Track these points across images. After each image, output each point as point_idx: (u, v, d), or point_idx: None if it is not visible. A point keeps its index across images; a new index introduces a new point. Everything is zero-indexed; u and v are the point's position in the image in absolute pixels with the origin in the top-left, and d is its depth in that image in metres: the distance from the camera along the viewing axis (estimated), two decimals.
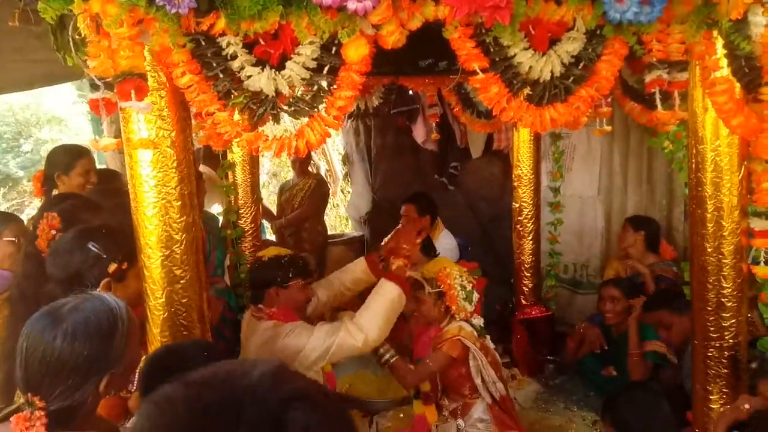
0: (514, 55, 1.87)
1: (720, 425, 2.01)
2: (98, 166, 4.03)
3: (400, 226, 2.74)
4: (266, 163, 8.69)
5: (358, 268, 2.93)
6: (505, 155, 5.04)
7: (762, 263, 2.16)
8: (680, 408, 2.39)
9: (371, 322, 2.33)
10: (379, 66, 1.92)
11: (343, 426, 0.70)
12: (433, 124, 4.50)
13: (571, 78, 1.95)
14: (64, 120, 11.06)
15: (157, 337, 1.85)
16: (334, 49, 1.76)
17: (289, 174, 7.42)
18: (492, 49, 1.86)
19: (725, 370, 2.20)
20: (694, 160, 2.18)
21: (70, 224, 2.10)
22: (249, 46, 1.75)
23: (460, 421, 2.72)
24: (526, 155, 3.88)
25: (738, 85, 2.01)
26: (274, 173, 9.23)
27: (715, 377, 2.22)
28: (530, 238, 3.96)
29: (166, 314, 1.85)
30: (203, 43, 1.71)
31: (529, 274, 4.01)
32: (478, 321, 2.76)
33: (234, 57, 1.73)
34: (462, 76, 2.37)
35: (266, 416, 0.62)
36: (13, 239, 2.49)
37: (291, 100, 1.81)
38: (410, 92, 4.64)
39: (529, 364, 3.80)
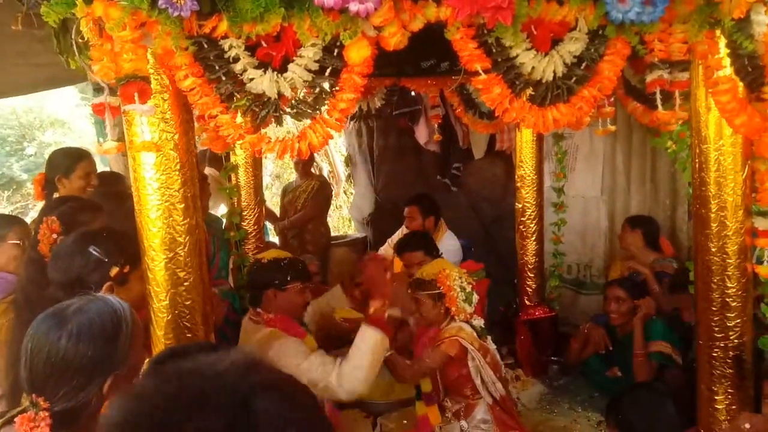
0: (517, 55, 1.87)
1: None
2: (102, 168, 4.05)
3: (368, 260, 2.73)
4: (269, 165, 8.70)
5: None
6: (507, 156, 5.04)
7: (765, 263, 2.16)
8: (685, 408, 2.38)
9: (355, 378, 2.27)
10: (381, 67, 1.92)
11: (314, 417, 0.70)
12: (436, 125, 4.51)
13: (574, 78, 1.94)
14: (68, 123, 11.09)
15: (161, 339, 1.86)
16: (336, 51, 1.77)
17: (292, 176, 7.43)
18: (494, 50, 1.86)
19: (730, 371, 2.19)
20: (697, 160, 2.18)
21: (70, 227, 2.11)
22: (251, 48, 1.75)
23: (464, 423, 2.71)
24: (529, 156, 3.88)
25: (741, 84, 2.00)
26: (277, 175, 9.24)
27: (720, 377, 2.21)
28: (533, 238, 3.95)
29: (169, 316, 1.85)
30: (206, 45, 1.72)
31: (532, 275, 4.00)
32: (479, 322, 2.75)
33: (236, 59, 1.74)
34: (464, 77, 2.37)
35: (234, 403, 0.62)
36: (18, 242, 2.50)
37: (293, 102, 1.82)
38: (412, 93, 4.64)
39: (533, 365, 3.79)
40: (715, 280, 2.18)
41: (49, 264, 1.92)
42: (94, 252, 1.86)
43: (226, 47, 1.73)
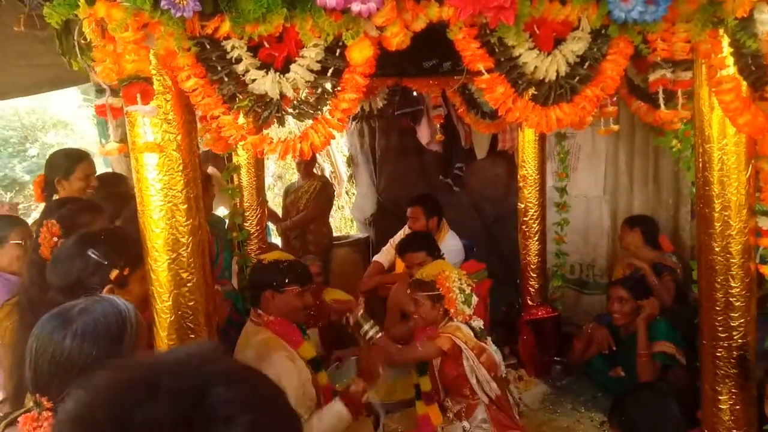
0: (519, 55, 1.87)
1: None
2: (104, 169, 4.05)
3: (372, 347, 2.73)
4: (271, 166, 8.71)
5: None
6: (509, 156, 5.03)
7: None
8: (690, 409, 2.38)
9: None
10: (383, 67, 1.92)
11: (274, 405, 0.69)
12: (438, 126, 4.50)
13: (577, 78, 1.94)
14: (70, 124, 11.11)
15: (164, 340, 1.86)
16: (338, 51, 1.76)
17: (294, 176, 7.43)
18: (497, 50, 1.85)
19: (734, 370, 2.19)
20: (700, 159, 2.17)
21: (70, 229, 2.10)
22: (253, 49, 1.75)
23: (465, 423, 2.71)
24: (531, 155, 3.87)
25: (744, 83, 1.99)
26: (279, 175, 9.24)
27: (724, 377, 2.20)
28: (536, 238, 3.95)
29: (173, 317, 1.85)
30: (208, 46, 1.72)
31: (535, 275, 4.00)
32: (478, 323, 2.75)
33: (239, 60, 1.74)
34: (467, 77, 2.37)
35: (187, 391, 0.61)
36: (20, 242, 2.50)
37: (295, 102, 1.82)
38: (414, 93, 4.64)
39: (536, 365, 3.79)
40: (719, 280, 2.17)
41: (49, 268, 1.90)
42: (93, 255, 1.85)
43: (228, 48, 1.73)
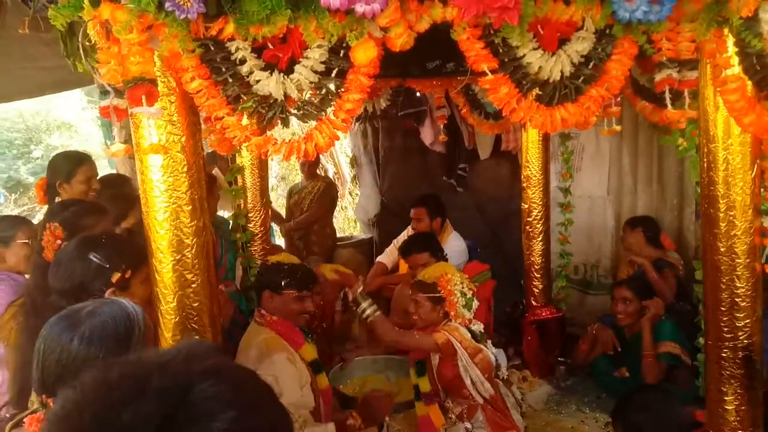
0: (523, 55, 1.87)
1: None
2: (109, 170, 4.06)
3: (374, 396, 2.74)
4: (275, 167, 8.72)
5: None
6: (513, 156, 5.03)
7: None
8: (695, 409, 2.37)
9: None
10: (387, 68, 1.92)
11: (260, 400, 0.69)
12: (441, 126, 4.50)
13: (581, 78, 1.94)
14: (74, 126, 11.15)
15: (168, 341, 1.86)
16: (342, 52, 1.77)
17: (297, 177, 7.44)
18: (501, 50, 1.85)
19: (739, 371, 2.18)
20: (705, 159, 2.17)
21: (73, 232, 2.10)
22: (258, 50, 1.75)
23: (468, 424, 2.72)
24: (535, 156, 3.87)
25: (749, 83, 1.99)
26: (283, 176, 9.26)
27: (729, 378, 2.20)
28: (540, 239, 3.94)
29: (177, 318, 1.85)
30: (212, 48, 1.72)
31: (539, 275, 3.99)
32: (478, 327, 2.75)
33: (243, 61, 1.74)
34: (470, 77, 2.37)
35: (174, 389, 0.62)
36: (27, 241, 2.50)
37: (299, 103, 1.82)
38: (418, 94, 4.64)
39: (540, 365, 3.78)
40: (724, 280, 2.16)
41: (50, 272, 1.90)
42: (94, 258, 1.85)
43: (232, 49, 1.73)
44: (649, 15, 1.81)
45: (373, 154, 5.81)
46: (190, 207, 1.82)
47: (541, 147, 3.86)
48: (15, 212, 9.02)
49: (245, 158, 3.53)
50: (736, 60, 1.98)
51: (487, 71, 1.85)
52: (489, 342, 2.82)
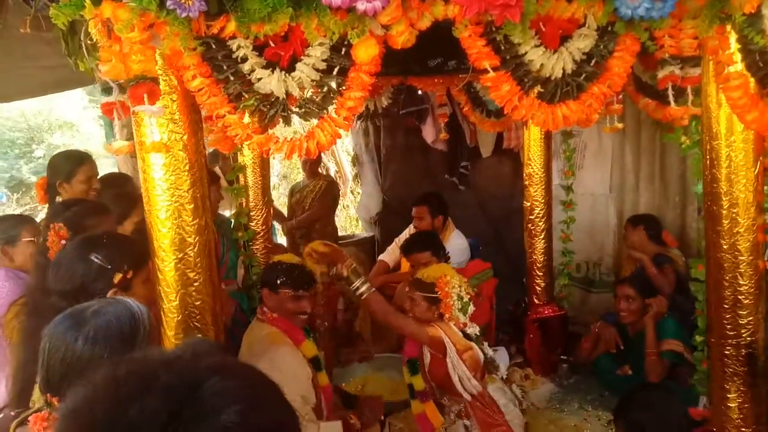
0: (525, 52, 1.86)
1: None
2: (112, 170, 4.06)
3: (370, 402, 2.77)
4: (276, 165, 8.72)
5: None
6: (515, 154, 5.02)
7: None
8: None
9: None
10: (388, 66, 1.92)
11: (267, 396, 0.70)
12: (443, 124, 4.50)
13: (583, 75, 1.93)
14: (76, 125, 11.16)
15: (171, 340, 1.86)
16: (343, 50, 1.76)
17: (299, 176, 7.44)
18: (503, 47, 1.85)
19: (743, 368, 2.17)
20: (708, 156, 2.16)
21: (77, 232, 2.09)
22: (259, 48, 1.75)
23: (467, 422, 2.72)
24: (537, 153, 3.87)
25: (752, 79, 1.98)
26: (285, 175, 9.25)
27: (732, 375, 2.19)
28: (542, 236, 3.94)
29: (180, 317, 1.85)
30: (214, 46, 1.72)
31: (541, 274, 3.99)
32: (474, 330, 2.75)
33: (244, 59, 1.74)
34: (472, 75, 2.37)
35: (181, 385, 0.63)
36: (33, 239, 2.50)
37: (301, 101, 1.81)
38: (419, 92, 4.64)
39: (543, 363, 3.78)
40: (727, 278, 2.16)
41: (50, 273, 1.88)
42: (95, 259, 1.83)
43: (234, 47, 1.73)
44: (652, 12, 1.80)
45: (375, 153, 5.80)
46: (192, 205, 1.82)
47: (543, 145, 3.85)
48: (17, 211, 9.03)
49: (247, 157, 3.53)
50: (738, 57, 1.97)
51: (489, 69, 1.84)
52: (485, 344, 2.81)
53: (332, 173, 7.66)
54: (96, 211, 2.35)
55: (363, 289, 2.56)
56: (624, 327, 3.49)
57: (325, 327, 3.50)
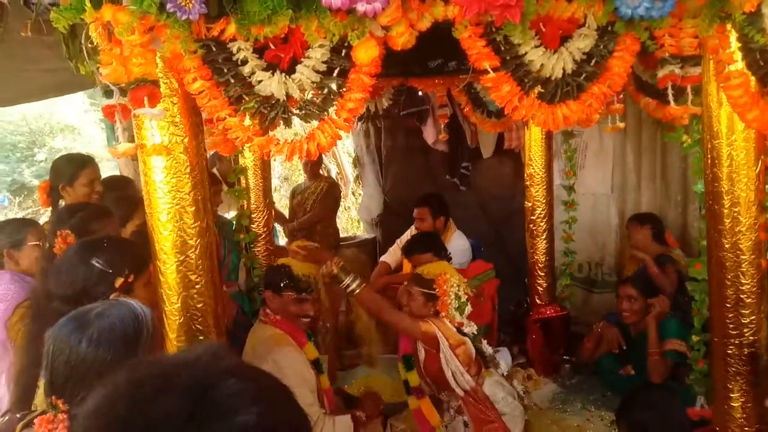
0: (525, 53, 1.86)
1: None
2: (113, 173, 4.06)
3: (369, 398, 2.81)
4: (278, 167, 8.73)
5: None
6: (516, 154, 5.02)
7: None
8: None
9: None
10: (389, 67, 1.92)
11: (280, 400, 0.71)
12: (443, 125, 4.49)
13: (583, 75, 1.93)
14: (77, 128, 11.18)
15: (173, 343, 1.86)
16: (344, 51, 1.76)
17: (300, 177, 7.44)
18: (503, 48, 1.85)
19: (745, 368, 2.17)
20: (709, 156, 2.16)
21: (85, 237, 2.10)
22: (259, 50, 1.75)
23: (466, 418, 2.72)
24: (538, 154, 3.86)
25: (753, 78, 1.98)
26: (286, 177, 9.26)
27: (735, 375, 2.19)
28: (543, 237, 3.94)
29: (181, 319, 1.85)
30: (214, 48, 1.72)
31: (543, 274, 3.98)
32: (471, 329, 2.75)
33: (245, 62, 1.74)
34: (472, 76, 2.37)
35: (198, 386, 0.65)
36: (38, 243, 2.51)
37: (302, 103, 1.82)
38: (420, 93, 4.64)
39: (545, 364, 3.78)
40: (729, 277, 2.16)
41: (51, 278, 1.88)
42: (97, 264, 1.83)
43: (234, 50, 1.73)
44: (652, 11, 1.80)
45: (376, 154, 5.80)
46: (193, 208, 1.82)
47: (544, 145, 3.85)
48: (19, 215, 9.04)
49: (248, 159, 3.53)
50: (739, 55, 1.97)
51: (489, 69, 1.84)
52: (484, 342, 2.81)
53: (333, 175, 7.67)
54: (100, 215, 2.36)
55: (353, 285, 2.56)
56: (626, 327, 3.49)
57: (327, 329, 3.50)
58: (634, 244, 3.87)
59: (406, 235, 4.06)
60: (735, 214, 2.12)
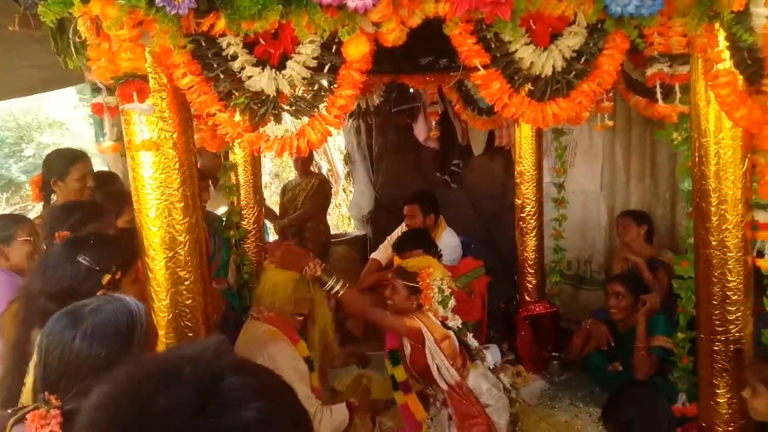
0: (516, 50, 1.87)
1: None
2: (101, 168, 4.03)
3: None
4: (268, 164, 8.70)
5: None
6: (506, 152, 5.03)
7: (766, 256, 2.16)
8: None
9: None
10: (380, 64, 1.92)
11: (282, 395, 0.72)
12: (434, 122, 4.50)
13: (573, 73, 1.94)
14: (65, 124, 11.09)
15: (162, 339, 1.85)
16: (334, 47, 1.76)
17: (291, 174, 7.43)
18: (493, 45, 1.85)
19: (731, 364, 2.19)
20: (697, 153, 2.18)
21: None
22: (249, 46, 1.74)
23: (451, 410, 2.73)
24: (528, 151, 3.87)
25: (741, 77, 2.00)
26: (276, 174, 9.24)
27: (721, 371, 2.21)
28: (533, 234, 3.95)
29: (170, 316, 1.85)
30: (203, 43, 1.71)
31: (532, 271, 4.00)
32: (456, 323, 2.76)
33: (234, 57, 1.73)
34: (463, 73, 2.37)
35: (205, 377, 0.65)
36: (28, 238, 2.49)
37: (292, 99, 1.81)
38: (411, 90, 4.64)
39: (534, 360, 3.79)
40: (716, 274, 2.18)
41: (37, 275, 1.87)
42: (83, 261, 1.82)
43: (224, 45, 1.72)
44: (641, 9, 1.81)
45: (367, 151, 5.80)
46: (182, 204, 1.82)
47: (534, 142, 3.86)
48: (7, 211, 8.97)
49: (238, 155, 3.52)
50: (727, 54, 1.99)
51: (480, 67, 1.85)
52: (470, 335, 2.82)
53: (324, 172, 7.65)
54: (97, 215, 2.35)
55: (337, 287, 2.55)
56: (615, 324, 3.51)
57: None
58: (626, 241, 3.85)
59: (397, 232, 4.06)
60: (722, 211, 2.14)
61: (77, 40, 1.76)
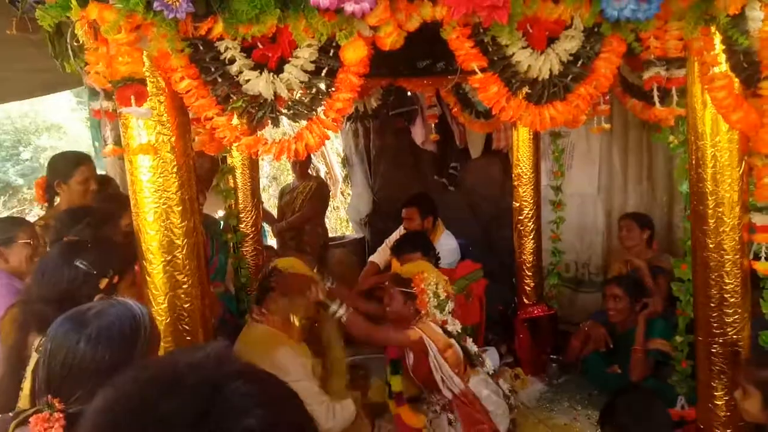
0: (513, 54, 1.88)
1: None
2: (99, 172, 4.03)
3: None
4: (266, 167, 8.70)
5: None
6: (504, 155, 5.03)
7: (763, 259, 2.16)
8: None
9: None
10: (377, 68, 1.92)
11: (286, 401, 0.72)
12: (432, 125, 4.50)
13: (570, 76, 1.95)
14: (63, 127, 11.09)
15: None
16: (332, 51, 1.77)
17: (289, 177, 7.43)
18: (490, 49, 1.86)
19: (729, 366, 2.19)
20: (694, 156, 2.18)
21: None
22: (247, 50, 1.75)
23: (450, 415, 2.73)
24: (526, 154, 3.88)
25: (737, 80, 2.01)
26: (274, 177, 9.23)
27: (719, 373, 2.21)
28: (531, 237, 3.96)
29: (168, 319, 1.84)
30: (201, 47, 1.72)
31: (530, 274, 4.00)
32: (455, 327, 2.76)
33: (232, 61, 1.74)
34: (461, 76, 2.37)
35: (206, 386, 0.65)
36: (28, 241, 2.49)
37: (290, 103, 1.82)
38: (409, 93, 4.64)
39: (533, 363, 3.79)
40: (713, 277, 2.18)
41: (34, 279, 1.86)
42: (81, 265, 1.82)
43: (221, 49, 1.72)
44: (638, 13, 1.82)
45: (365, 154, 5.80)
46: (180, 207, 1.82)
47: (531, 145, 3.87)
48: (4, 214, 8.95)
49: (236, 158, 3.52)
50: (723, 57, 2.00)
51: (477, 70, 1.85)
52: (470, 340, 2.82)
53: (322, 174, 7.65)
54: (105, 221, 2.34)
55: (341, 311, 2.56)
56: (613, 326, 3.51)
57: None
58: (629, 244, 3.83)
59: (395, 235, 4.06)
60: (719, 214, 2.14)
61: (75, 43, 1.76)
